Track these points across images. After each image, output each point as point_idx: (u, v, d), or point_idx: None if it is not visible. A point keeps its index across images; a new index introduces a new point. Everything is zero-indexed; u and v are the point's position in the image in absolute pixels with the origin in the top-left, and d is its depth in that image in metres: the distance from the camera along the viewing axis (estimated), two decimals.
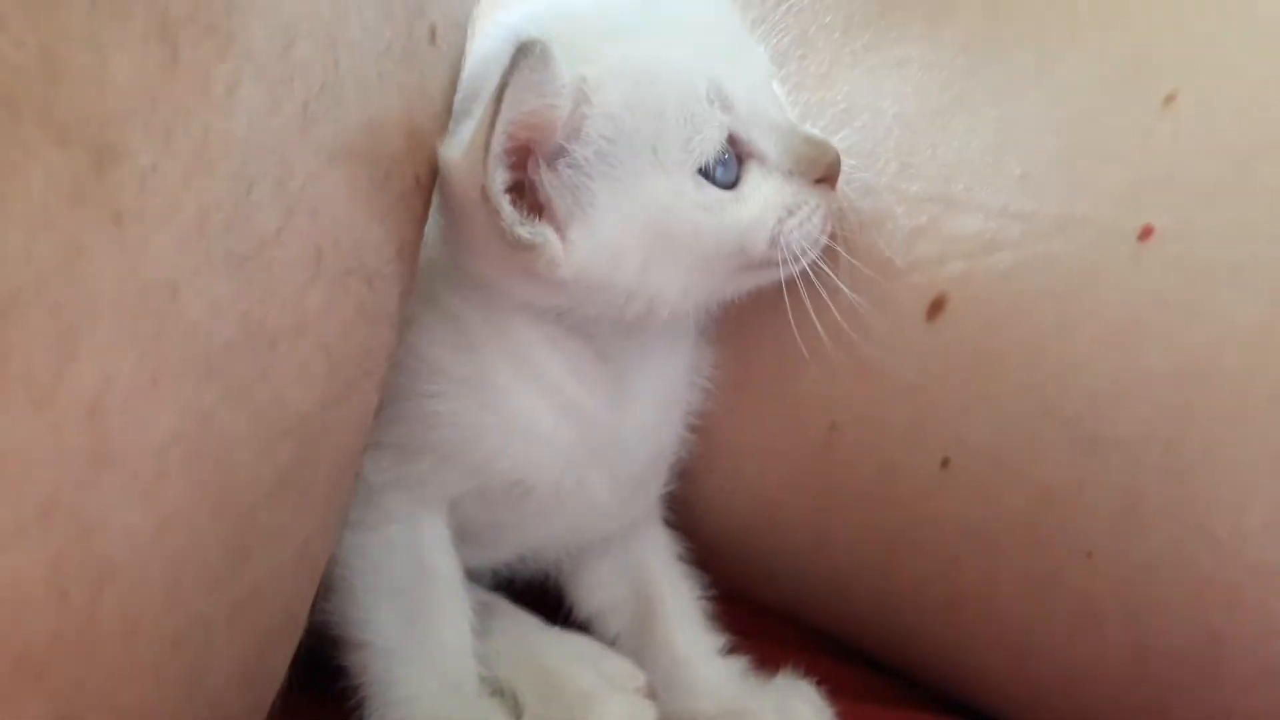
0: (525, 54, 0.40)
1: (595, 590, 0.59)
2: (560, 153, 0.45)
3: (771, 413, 0.57)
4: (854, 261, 0.52)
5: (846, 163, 0.52)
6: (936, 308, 0.50)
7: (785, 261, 0.49)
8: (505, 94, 0.40)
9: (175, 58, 0.33)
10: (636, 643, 0.57)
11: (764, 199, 0.48)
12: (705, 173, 0.47)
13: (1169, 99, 0.46)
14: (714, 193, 0.47)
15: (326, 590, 0.49)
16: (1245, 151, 0.44)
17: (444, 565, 0.51)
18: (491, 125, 0.41)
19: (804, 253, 0.49)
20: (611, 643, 0.57)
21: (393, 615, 0.50)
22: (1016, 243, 0.48)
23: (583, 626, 0.58)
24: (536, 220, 0.45)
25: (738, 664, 0.55)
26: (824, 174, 0.50)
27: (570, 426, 0.51)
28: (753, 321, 0.54)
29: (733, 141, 0.48)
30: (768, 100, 0.50)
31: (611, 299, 0.48)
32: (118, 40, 0.32)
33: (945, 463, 0.50)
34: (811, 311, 0.51)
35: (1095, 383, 0.46)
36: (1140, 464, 0.45)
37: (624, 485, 0.54)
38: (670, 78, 0.46)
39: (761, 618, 0.60)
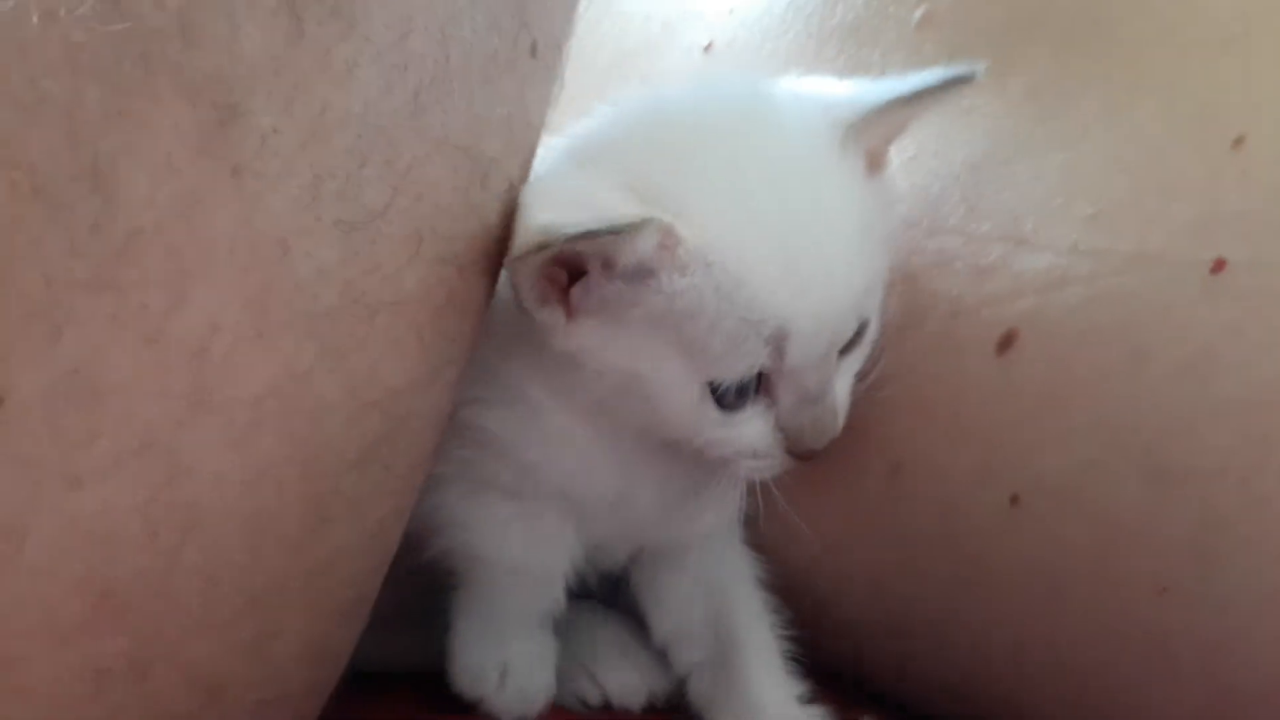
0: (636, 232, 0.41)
1: (671, 611, 0.58)
2: (627, 275, 0.43)
3: (830, 457, 0.57)
4: (920, 299, 0.52)
5: (909, 211, 0.53)
6: (1006, 343, 0.50)
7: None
8: (605, 243, 0.41)
9: (300, 33, 0.35)
10: (712, 679, 0.56)
11: (744, 434, 0.47)
12: (714, 388, 0.45)
13: (1238, 141, 0.47)
14: (710, 410, 0.46)
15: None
16: None
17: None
18: (571, 244, 0.41)
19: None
20: (685, 673, 0.57)
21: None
22: (1087, 279, 0.49)
23: (658, 649, 0.58)
24: (559, 296, 0.44)
25: (818, 713, 0.55)
26: (801, 454, 0.48)
27: (604, 444, 0.51)
28: None
29: (761, 380, 0.46)
30: (819, 361, 0.46)
31: (590, 387, 0.47)
32: (249, 12, 0.33)
33: (1014, 500, 0.49)
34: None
35: (1168, 414, 0.46)
36: (1215, 496, 0.44)
37: (672, 498, 0.54)
38: (746, 296, 0.43)
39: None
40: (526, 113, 0.44)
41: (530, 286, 0.43)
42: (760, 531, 0.59)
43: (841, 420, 0.49)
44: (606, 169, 0.45)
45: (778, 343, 0.44)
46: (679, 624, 0.58)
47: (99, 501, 0.31)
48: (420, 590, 0.52)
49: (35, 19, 0.30)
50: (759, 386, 0.46)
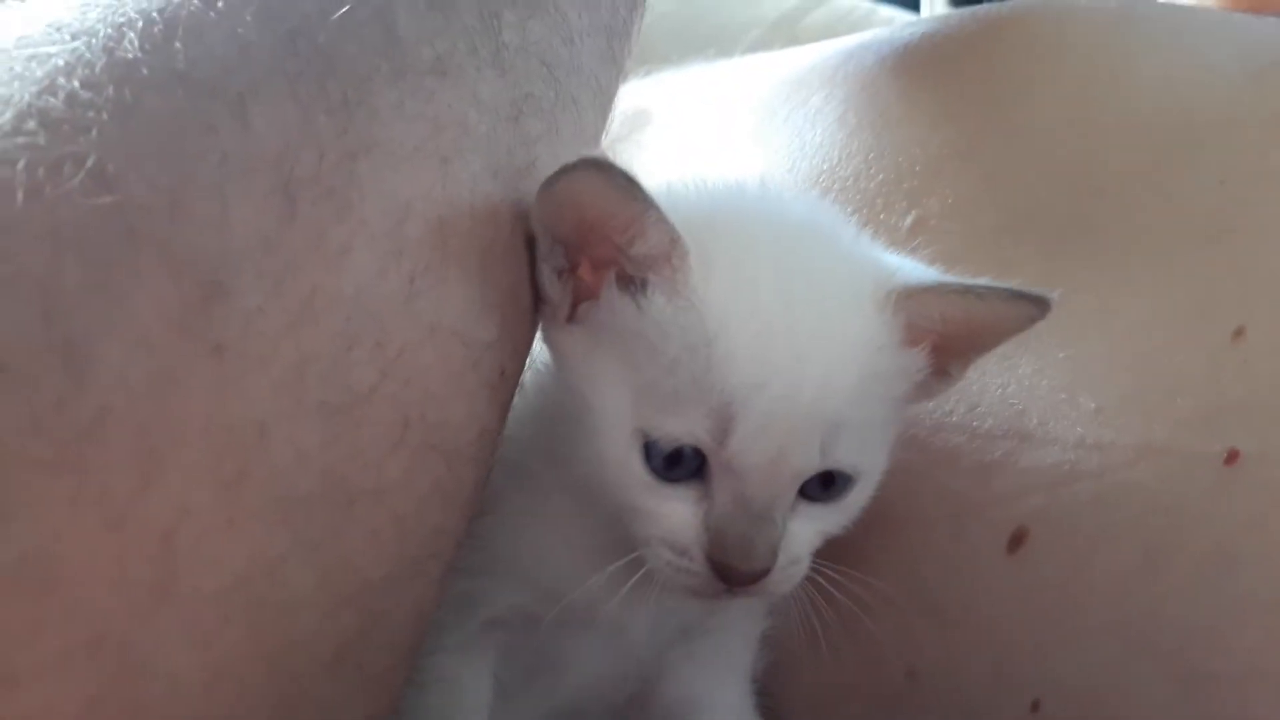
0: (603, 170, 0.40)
1: None
2: (634, 265, 0.43)
3: (844, 664, 0.54)
4: (928, 499, 0.51)
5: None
6: (1017, 541, 0.49)
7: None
8: (639, 205, 0.41)
9: (294, 214, 0.35)
10: None
11: (670, 513, 0.44)
12: (648, 444, 0.43)
13: (1237, 332, 0.47)
14: (637, 463, 0.44)
15: None
16: None
17: None
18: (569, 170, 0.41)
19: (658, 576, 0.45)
20: None
21: None
22: (1096, 473, 0.48)
23: None
24: (566, 281, 0.45)
25: None
26: (723, 569, 0.44)
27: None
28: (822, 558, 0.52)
29: (703, 469, 0.44)
30: (766, 469, 0.43)
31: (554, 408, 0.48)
32: (241, 192, 0.34)
33: (1035, 706, 0.47)
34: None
35: (1192, 614, 0.44)
36: (1250, 699, 0.41)
37: (665, 628, 0.52)
38: (708, 356, 0.42)
39: None
40: (520, 300, 0.44)
41: (557, 219, 0.43)
42: None
43: (785, 563, 0.45)
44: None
45: (722, 421, 0.42)
46: None
47: (38, 702, 0.29)
48: None
49: (20, 197, 0.29)
50: (699, 471, 0.44)
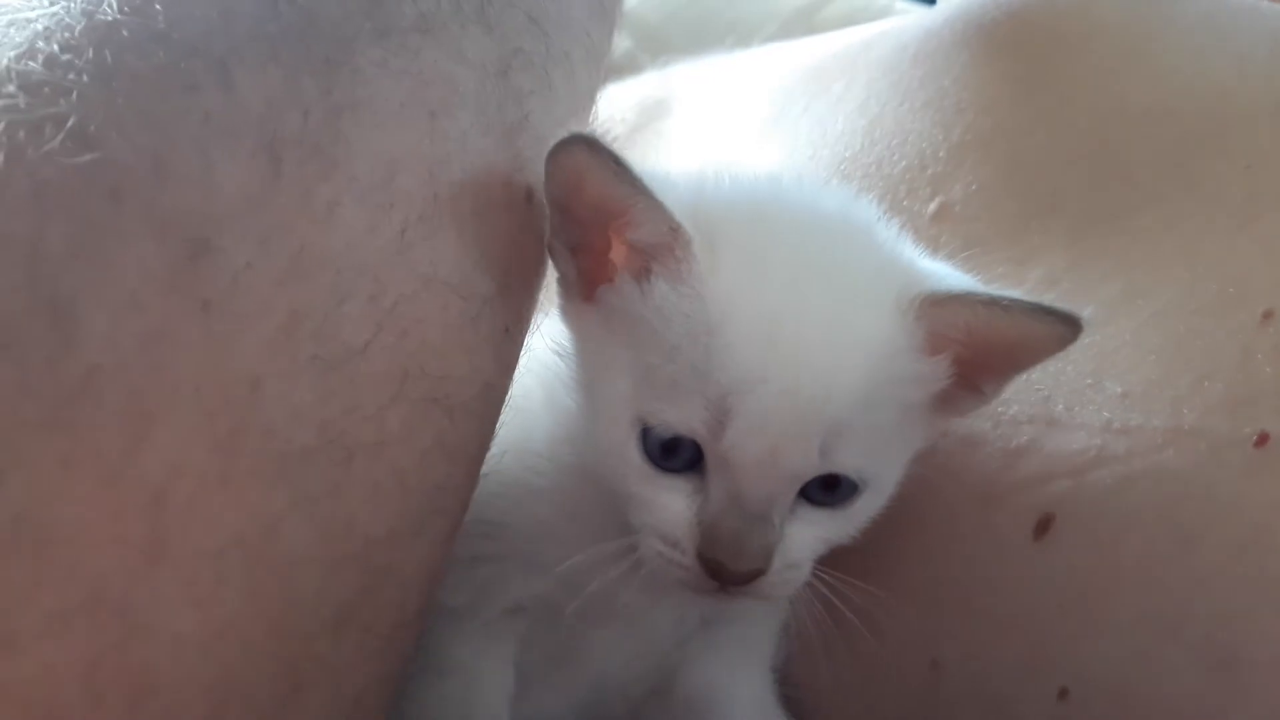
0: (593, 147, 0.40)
1: None
2: (640, 252, 0.43)
3: (867, 655, 0.53)
4: (951, 487, 0.50)
5: None
6: (1043, 527, 0.48)
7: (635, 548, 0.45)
8: (631, 189, 0.41)
9: (279, 173, 0.35)
10: None
11: (664, 504, 0.44)
12: (645, 432, 0.43)
13: (1266, 316, 0.46)
14: (635, 452, 0.43)
15: None
16: None
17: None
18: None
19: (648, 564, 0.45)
20: None
21: None
22: (1124, 457, 0.47)
23: None
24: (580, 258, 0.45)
25: None
26: (712, 565, 0.43)
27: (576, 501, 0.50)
28: (842, 552, 0.51)
29: (700, 464, 0.43)
30: (762, 466, 0.42)
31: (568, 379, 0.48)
32: (226, 151, 0.34)
33: (1063, 694, 0.46)
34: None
35: (1223, 599, 0.43)
36: None
37: (687, 620, 0.53)
38: (708, 345, 0.41)
39: None
40: (523, 257, 0.43)
41: (561, 193, 0.42)
42: None
43: (782, 567, 0.44)
44: (682, 196, 0.44)
45: (718, 414, 0.41)
46: None
47: (37, 665, 0.28)
48: None
49: (1, 160, 0.30)
50: (696, 464, 0.43)
